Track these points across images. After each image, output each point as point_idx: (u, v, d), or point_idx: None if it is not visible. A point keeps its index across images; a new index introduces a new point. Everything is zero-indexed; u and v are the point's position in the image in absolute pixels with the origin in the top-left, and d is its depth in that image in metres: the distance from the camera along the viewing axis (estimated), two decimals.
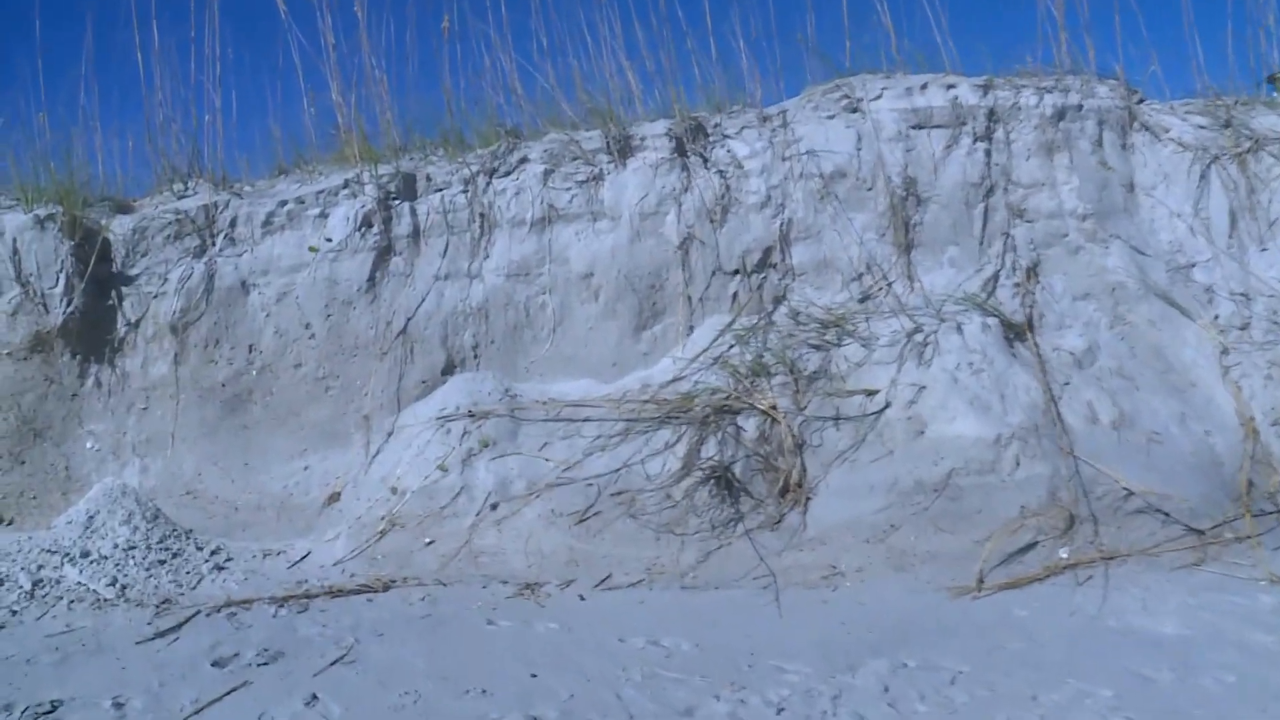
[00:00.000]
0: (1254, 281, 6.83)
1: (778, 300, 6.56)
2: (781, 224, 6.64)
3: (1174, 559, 5.36)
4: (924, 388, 6.00)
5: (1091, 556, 5.57)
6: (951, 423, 5.85)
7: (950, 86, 7.14)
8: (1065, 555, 5.58)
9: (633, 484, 5.72)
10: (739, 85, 7.15)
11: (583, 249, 6.56)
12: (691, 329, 6.51)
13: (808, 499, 5.75)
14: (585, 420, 6.06)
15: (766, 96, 7.19)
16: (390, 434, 6.16)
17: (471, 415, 6.03)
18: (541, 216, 6.62)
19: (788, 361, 6.14)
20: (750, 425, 5.92)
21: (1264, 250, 7.02)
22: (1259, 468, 6.03)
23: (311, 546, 5.70)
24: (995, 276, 6.74)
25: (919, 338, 6.18)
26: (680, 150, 6.74)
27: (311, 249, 6.39)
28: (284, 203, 6.57)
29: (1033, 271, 6.86)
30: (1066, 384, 6.27)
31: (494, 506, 5.64)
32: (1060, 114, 7.19)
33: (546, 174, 6.69)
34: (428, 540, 5.57)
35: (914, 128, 7.04)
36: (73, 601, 4.96)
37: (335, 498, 5.98)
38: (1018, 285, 6.75)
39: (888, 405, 5.99)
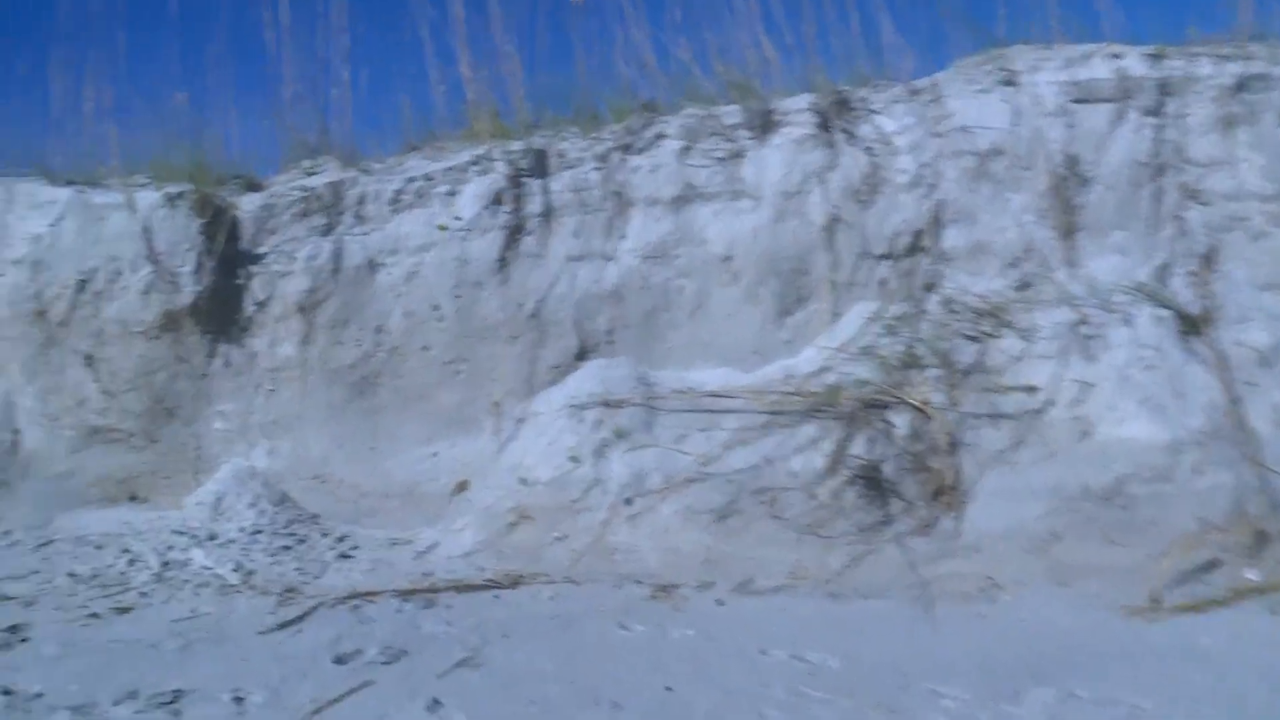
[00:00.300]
0: None
1: (929, 287, 6.14)
2: (933, 205, 6.21)
3: None
4: (1091, 385, 5.54)
5: None
6: (1121, 424, 5.39)
7: (1116, 57, 6.60)
8: (1254, 578, 5.08)
9: (775, 481, 5.39)
10: (882, 57, 6.72)
11: (722, 229, 6.23)
12: (837, 316, 6.14)
13: (963, 503, 5.35)
14: (725, 412, 5.74)
15: (913, 69, 6.74)
16: (521, 421, 5.93)
17: (606, 404, 5.75)
18: (679, 195, 6.30)
19: (941, 353, 5.73)
20: (901, 422, 5.54)
21: None
22: None
23: (439, 537, 5.51)
24: (1167, 264, 6.21)
25: (1084, 330, 5.72)
26: (824, 126, 6.36)
27: (441, 227, 6.18)
28: (412, 180, 6.37)
29: (1209, 259, 6.31)
30: (1250, 384, 5.73)
31: (628, 501, 5.36)
32: (1241, 84, 6.60)
33: (684, 150, 6.37)
34: (558, 535, 5.33)
35: (1075, 102, 6.53)
36: (198, 586, 4.86)
37: (464, 486, 5.78)
38: (1193, 274, 6.22)
39: (1050, 403, 5.55)
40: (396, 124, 6.90)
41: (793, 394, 5.68)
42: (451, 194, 6.31)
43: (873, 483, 5.33)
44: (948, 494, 5.35)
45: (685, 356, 6.17)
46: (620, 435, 5.61)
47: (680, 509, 5.34)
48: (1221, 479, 5.25)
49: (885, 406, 5.57)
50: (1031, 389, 5.55)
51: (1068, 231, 6.30)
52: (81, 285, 6.23)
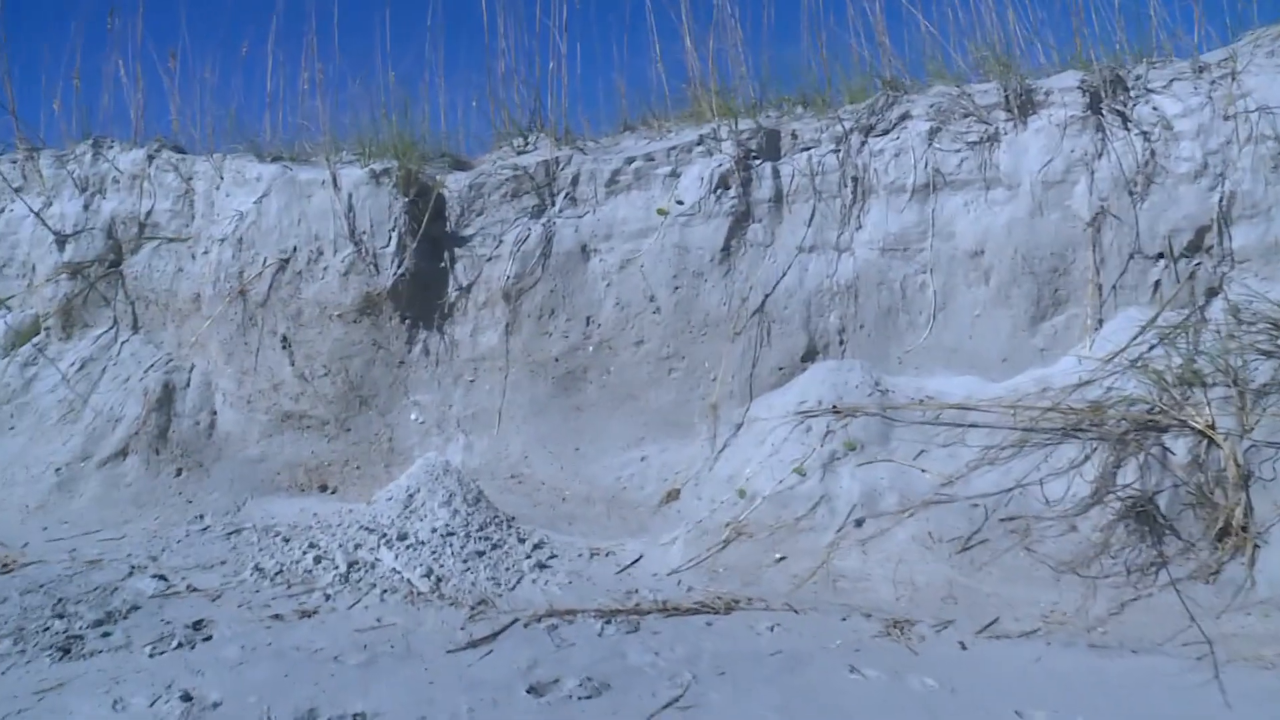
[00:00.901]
0: None
1: (1212, 292, 5.33)
2: (1221, 198, 5.38)
3: None
4: None
5: None
6: None
7: None
8: None
9: (1028, 509, 4.70)
10: (1160, 30, 5.90)
11: (972, 222, 5.54)
12: (1100, 322, 5.39)
13: (1255, 547, 4.54)
14: (970, 426, 5.06)
15: (1197, 44, 5.91)
16: (739, 427, 5.37)
17: (836, 411, 5.15)
18: (924, 182, 5.64)
19: (1229, 370, 4.92)
20: (1179, 447, 4.76)
21: None
22: None
23: (644, 549, 5.02)
24: None
25: None
26: (1094, 107, 5.59)
27: (660, 212, 5.67)
28: (631, 160, 5.87)
29: None
30: None
31: (859, 523, 4.75)
32: None
33: (932, 133, 5.70)
34: (779, 555, 4.76)
35: None
36: (386, 591, 4.52)
37: (674, 495, 5.25)
38: None
39: None
40: (611, 103, 6.43)
41: (1050, 409, 4.94)
42: (673, 176, 5.80)
43: (1145, 516, 4.58)
44: (1235, 535, 4.55)
45: (925, 362, 5.51)
46: (851, 448, 5.00)
47: (918, 534, 4.71)
48: None
49: (1161, 429, 4.81)
50: None
51: None
52: (283, 264, 5.96)
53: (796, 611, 4.39)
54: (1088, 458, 4.79)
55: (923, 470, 4.93)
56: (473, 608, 4.35)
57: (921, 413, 5.21)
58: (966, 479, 4.87)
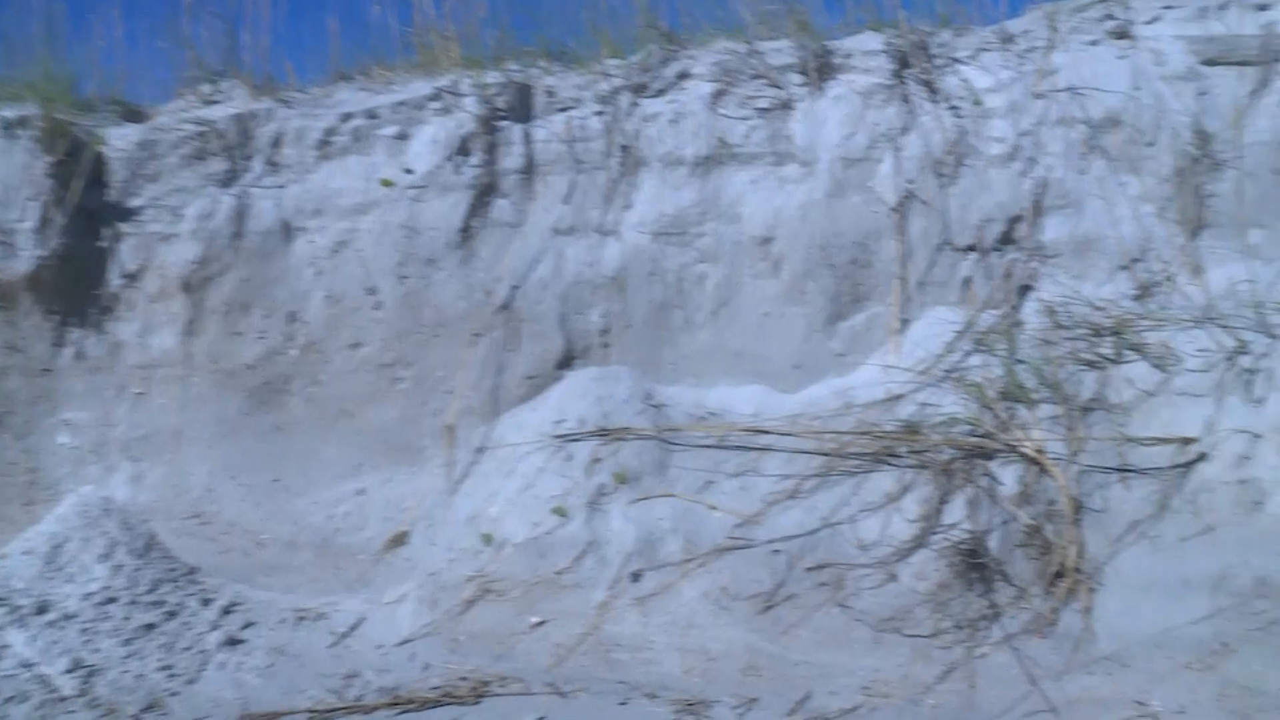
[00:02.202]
0: None
1: (1024, 290, 4.64)
2: (1033, 185, 4.71)
3: None
4: (1259, 438, 4.09)
5: None
6: None
7: (1262, 8, 5.18)
8: None
9: (839, 554, 3.94)
10: None
11: (761, 203, 4.71)
12: (905, 323, 4.63)
13: (1091, 590, 3.87)
14: (764, 450, 4.20)
15: (999, 11, 5.27)
16: (482, 452, 4.37)
17: (603, 434, 4.17)
18: (706, 154, 4.76)
19: (1055, 384, 4.24)
20: (1008, 476, 4.05)
21: None
22: None
23: (365, 609, 3.99)
24: None
25: (1245, 361, 4.26)
26: (898, 75, 4.81)
27: (384, 183, 4.56)
28: (348, 116, 4.72)
29: None
30: None
31: (636, 576, 3.85)
32: None
33: (715, 96, 4.82)
34: (537, 619, 3.79)
35: (1207, 64, 5.09)
36: (10, 698, 3.30)
37: (401, 539, 4.21)
38: None
39: (1201, 457, 4.08)
40: (321, 49, 5.22)
41: (864, 433, 4.13)
42: (401, 138, 4.70)
43: (974, 561, 3.83)
44: (1070, 578, 3.86)
45: (704, 368, 4.65)
46: (623, 480, 4.07)
47: (709, 590, 3.86)
48: None
49: (987, 455, 4.07)
50: (1187, 440, 4.06)
51: (1195, 228, 4.85)
52: None
53: (563, 695, 3.50)
54: (906, 489, 4.02)
55: (711, 507, 4.05)
56: (136, 717, 3.22)
57: (707, 435, 4.29)
58: (764, 517, 4.03)
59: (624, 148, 4.76)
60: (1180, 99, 5.04)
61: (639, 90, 4.86)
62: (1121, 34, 5.15)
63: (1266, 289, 4.74)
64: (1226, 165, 5.00)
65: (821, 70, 4.85)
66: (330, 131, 4.72)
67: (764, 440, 4.28)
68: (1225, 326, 4.46)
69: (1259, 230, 4.97)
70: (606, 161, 4.75)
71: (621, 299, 4.66)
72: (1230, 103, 5.08)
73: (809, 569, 3.90)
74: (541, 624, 3.81)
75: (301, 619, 3.95)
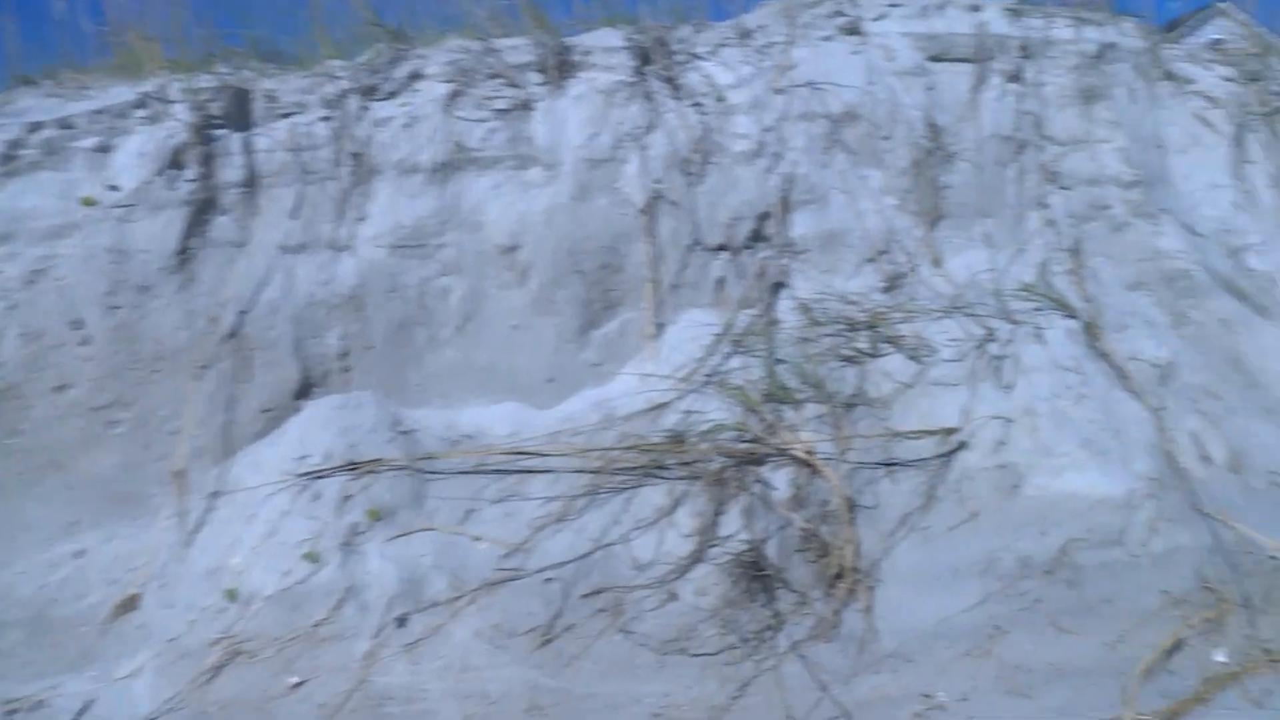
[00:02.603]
0: None
1: (777, 287, 4.60)
2: (780, 181, 4.67)
3: None
4: (1011, 422, 4.19)
5: (1256, 661, 3.91)
6: (1060, 475, 4.10)
7: (975, 9, 5.34)
8: (1224, 660, 3.90)
9: (616, 577, 3.76)
10: None
11: (504, 209, 4.46)
12: (660, 327, 4.49)
13: (869, 589, 3.86)
14: (526, 472, 3.97)
15: (735, 6, 5.21)
16: (218, 497, 3.91)
17: (352, 467, 3.83)
18: (444, 160, 4.46)
19: (817, 383, 4.21)
20: (780, 480, 3.98)
21: None
22: None
23: (94, 690, 3.55)
24: (1045, 261, 5.00)
25: (994, 349, 4.36)
26: (640, 72, 4.67)
27: (86, 201, 4.04)
28: (37, 126, 4.14)
29: (1077, 254, 5.14)
30: (1159, 409, 4.59)
31: (401, 621, 3.55)
32: (1100, 53, 5.51)
33: (451, 97, 4.52)
34: (295, 679, 3.43)
35: (932, 60, 5.21)
36: None
37: (131, 604, 3.74)
38: (1071, 273, 5.02)
39: (962, 446, 4.15)
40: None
41: (631, 447, 3.97)
42: (103, 151, 4.17)
43: (754, 571, 3.73)
44: (849, 578, 3.83)
45: (453, 388, 4.37)
46: (377, 517, 3.76)
47: (482, 629, 3.61)
48: (1180, 539, 4.06)
49: (758, 460, 3.99)
50: (948, 431, 4.11)
51: (933, 219, 4.95)
52: None
53: None
54: (678, 503, 3.88)
55: (475, 539, 3.80)
56: None
57: (463, 460, 4.03)
58: (533, 545, 3.80)
59: (354, 155, 4.40)
60: (911, 94, 5.12)
61: (368, 93, 4.52)
62: (852, 30, 5.19)
63: (1003, 277, 4.87)
64: (957, 158, 5.12)
65: (561, 68, 4.64)
66: (15, 144, 4.14)
67: (525, 462, 4.05)
68: (972, 315, 4.54)
69: (990, 220, 5.11)
70: (336, 171, 4.38)
71: (360, 319, 4.31)
72: (956, 97, 5.19)
73: (585, 596, 3.70)
74: (301, 684, 3.45)
75: (14, 712, 3.45)
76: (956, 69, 5.23)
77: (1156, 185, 5.46)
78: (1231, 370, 5.12)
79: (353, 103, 4.48)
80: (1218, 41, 6.21)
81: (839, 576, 3.82)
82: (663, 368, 4.40)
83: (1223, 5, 6.39)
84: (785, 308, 4.60)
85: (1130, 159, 5.40)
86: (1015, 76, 5.31)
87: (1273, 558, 4.19)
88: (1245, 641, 3.97)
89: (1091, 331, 4.70)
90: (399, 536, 3.75)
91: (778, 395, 4.17)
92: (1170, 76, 5.90)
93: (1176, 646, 3.87)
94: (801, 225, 4.77)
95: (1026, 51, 5.40)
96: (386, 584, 3.62)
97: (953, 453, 4.16)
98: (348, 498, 3.81)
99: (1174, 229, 5.34)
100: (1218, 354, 5.15)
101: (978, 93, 5.22)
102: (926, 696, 3.61)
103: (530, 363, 4.47)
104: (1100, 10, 5.80)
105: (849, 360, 4.39)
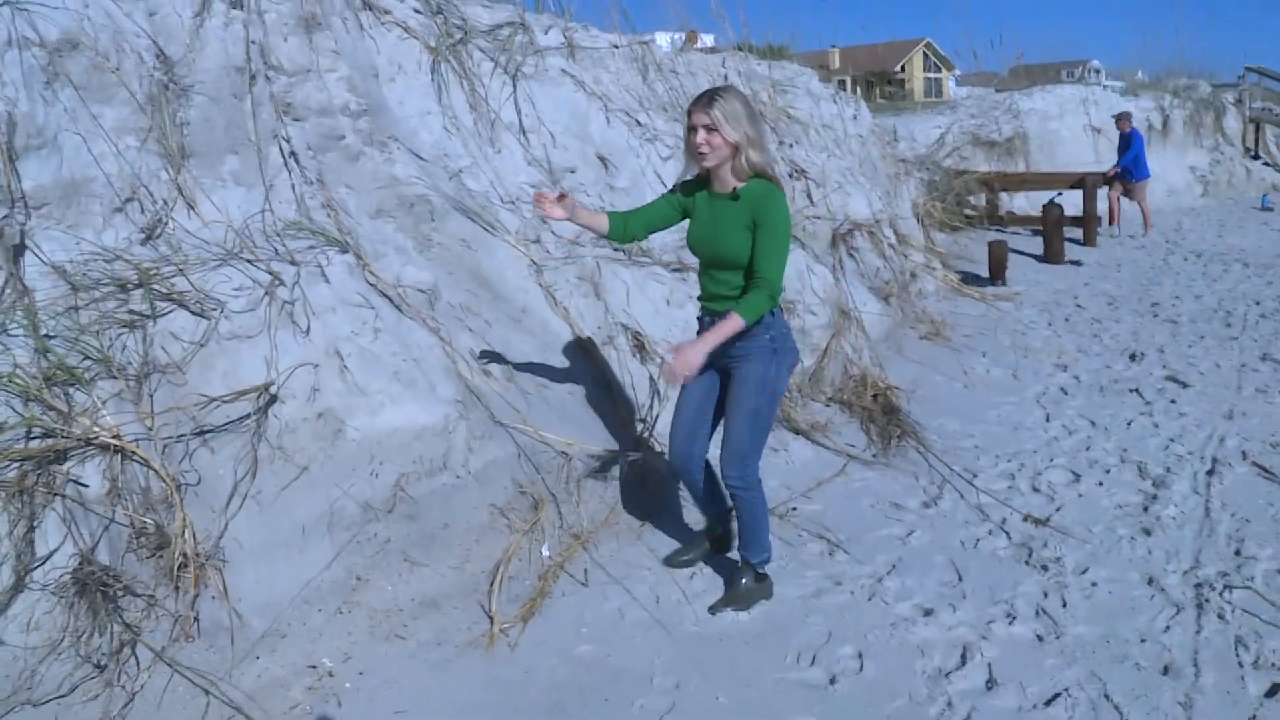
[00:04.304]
0: (510, 188, 5.96)
1: (19, 251, 3.95)
2: (2, 123, 3.97)
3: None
4: (317, 366, 4.09)
5: (571, 547, 4.39)
6: (378, 413, 4.11)
7: None
8: (549, 555, 4.32)
9: None
10: None
11: None
12: None
13: (218, 570, 3.57)
14: None
15: None
16: None
17: None
18: None
19: (100, 355, 3.71)
20: (92, 474, 3.47)
21: (499, 153, 6.16)
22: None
23: None
24: (301, 196, 4.90)
25: (283, 293, 4.18)
26: None
27: None
28: None
29: (323, 185, 5.14)
30: (437, 331, 4.82)
31: None
32: None
33: None
34: None
35: None
36: None
37: None
38: (325, 206, 5.00)
39: (275, 399, 3.97)
40: None
41: None
42: None
43: (91, 585, 3.25)
44: (193, 566, 3.50)
45: None
46: None
47: None
48: (495, 453, 4.35)
49: (63, 456, 3.42)
50: (264, 388, 3.87)
51: (180, 159, 4.57)
52: None
53: None
54: None
55: None
56: None
57: None
58: None
59: None
60: (133, 20, 4.59)
61: None
62: None
63: (267, 216, 4.64)
64: (193, 91, 4.73)
65: None
66: None
67: None
68: (251, 260, 4.27)
69: (233, 156, 4.82)
70: None
71: None
72: (180, 26, 4.78)
73: None
74: None
75: None
76: None
77: (380, 114, 5.53)
78: (480, 287, 5.43)
79: None
80: None
81: (183, 567, 3.42)
82: None
83: None
84: (36, 274, 3.91)
85: (355, 88, 5.40)
86: (238, 3, 4.99)
87: (563, 453, 4.57)
88: (560, 533, 4.32)
89: (362, 264, 4.67)
90: None
91: (60, 377, 3.56)
92: (370, 6, 5.98)
93: (513, 553, 4.07)
94: (34, 175, 4.06)
95: None
96: None
97: (267, 408, 3.90)
98: None
99: (403, 156, 5.47)
100: (465, 273, 5.42)
101: (203, 20, 4.82)
102: (313, 668, 3.42)
103: None
104: None
105: (129, 326, 3.89)
